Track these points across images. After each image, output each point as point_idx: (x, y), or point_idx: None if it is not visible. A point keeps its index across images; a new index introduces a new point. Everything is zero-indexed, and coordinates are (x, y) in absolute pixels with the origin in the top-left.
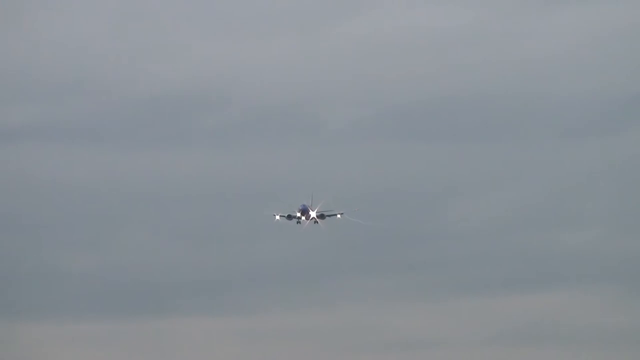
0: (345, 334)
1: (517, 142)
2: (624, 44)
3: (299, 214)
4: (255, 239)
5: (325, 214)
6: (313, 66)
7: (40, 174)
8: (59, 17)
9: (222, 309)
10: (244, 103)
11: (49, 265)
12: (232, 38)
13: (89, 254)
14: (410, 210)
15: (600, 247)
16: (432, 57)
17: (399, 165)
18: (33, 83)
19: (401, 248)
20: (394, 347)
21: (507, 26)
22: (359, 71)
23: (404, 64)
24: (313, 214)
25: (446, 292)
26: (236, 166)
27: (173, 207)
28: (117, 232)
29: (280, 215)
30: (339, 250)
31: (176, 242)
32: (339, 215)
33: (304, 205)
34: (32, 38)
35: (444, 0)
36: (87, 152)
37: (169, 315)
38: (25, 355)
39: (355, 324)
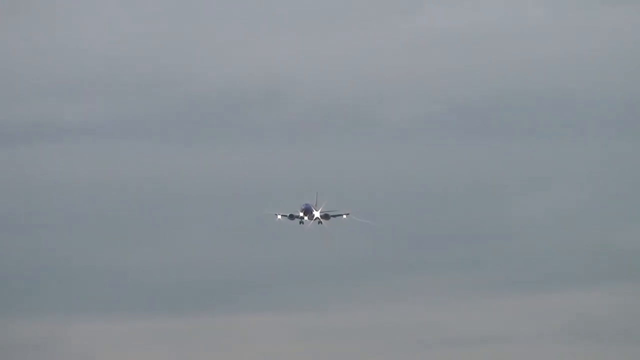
0: (400, 331)
1: (578, 138)
2: None
3: (301, 214)
4: (310, 235)
5: (330, 214)
6: (374, 62)
7: (98, 171)
8: (118, 14)
9: (277, 305)
10: (305, 100)
11: (103, 263)
12: (293, 35)
13: (143, 251)
14: (469, 205)
15: None
16: (496, 53)
17: (460, 161)
18: (94, 81)
19: (459, 244)
20: (451, 344)
21: (571, 22)
22: (421, 67)
23: (468, 59)
24: (317, 214)
25: (503, 288)
26: (295, 163)
27: (230, 205)
28: (172, 230)
29: (282, 215)
30: (392, 248)
31: (231, 239)
32: (344, 216)
33: (306, 205)
34: (91, 36)
35: None
36: (145, 149)
37: (221, 312)
38: (79, 353)
39: (410, 322)
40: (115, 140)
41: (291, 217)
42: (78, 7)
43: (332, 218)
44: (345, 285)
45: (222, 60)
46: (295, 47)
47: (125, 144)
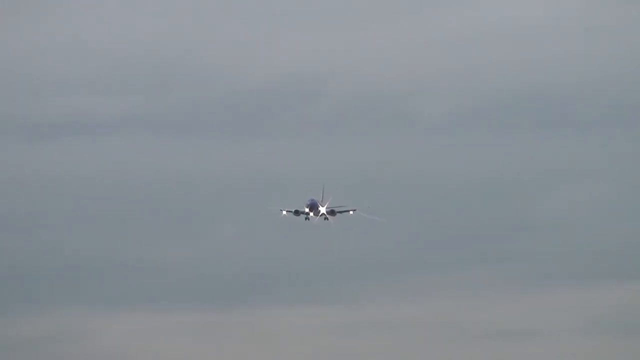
0: (435, 326)
1: (610, 133)
2: None
3: (307, 210)
4: (353, 227)
5: (337, 210)
6: (408, 57)
7: (129, 165)
8: (151, 10)
9: (307, 299)
10: (339, 95)
11: (132, 256)
12: (324, 30)
13: (182, 245)
14: (503, 200)
15: None
16: (529, 48)
17: (490, 156)
18: (126, 76)
19: (489, 239)
20: (478, 338)
21: (603, 18)
22: (454, 61)
23: (500, 54)
24: (323, 209)
25: (532, 283)
26: (330, 157)
27: (265, 198)
28: (209, 223)
29: (287, 211)
30: (421, 243)
31: (260, 232)
32: (351, 212)
33: (312, 200)
34: (124, 31)
35: None
36: (182, 144)
37: (251, 306)
38: (120, 345)
39: (439, 316)
40: (144, 135)
41: (296, 212)
42: (111, 1)
43: (338, 214)
44: (375, 280)
45: (254, 56)
46: (326, 42)
47: (156, 140)
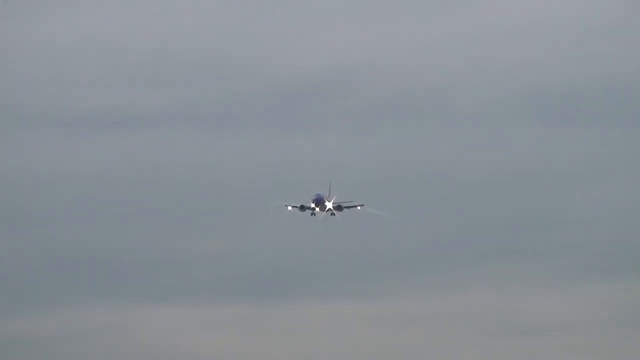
0: (474, 318)
1: None
2: None
3: (312, 205)
4: (395, 220)
5: (343, 205)
6: (446, 50)
7: (172, 159)
8: (193, 2)
9: (351, 293)
10: (376, 87)
11: (176, 250)
12: (360, 22)
13: (222, 237)
14: (543, 193)
15: None
16: (568, 42)
17: (531, 148)
18: (171, 67)
19: (526, 232)
20: (518, 332)
21: (637, 14)
22: (492, 54)
23: (534, 48)
24: (329, 204)
25: (572, 276)
26: (368, 149)
27: (305, 190)
28: (249, 216)
29: (292, 206)
30: (460, 235)
31: (298, 226)
32: (359, 207)
33: (318, 195)
34: (166, 23)
35: None
36: (218, 137)
37: (288, 299)
38: (160, 338)
39: (484, 309)
40: (181, 128)
41: (302, 208)
42: None
43: (345, 209)
44: (413, 273)
45: (294, 48)
46: (359, 36)
47: (191, 133)
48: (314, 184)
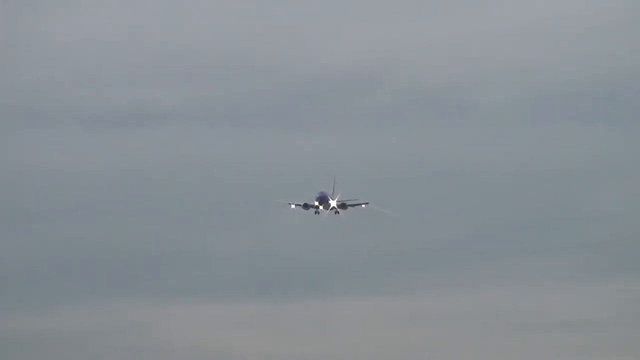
0: (497, 315)
1: None
2: None
3: (316, 203)
4: (411, 218)
5: (347, 203)
6: (466, 48)
7: (196, 156)
8: (214, 0)
9: (374, 289)
10: (397, 85)
11: (207, 247)
12: (386, 20)
13: (245, 235)
14: (564, 190)
15: None
16: (589, 39)
17: (553, 146)
18: (192, 66)
19: (550, 229)
20: (543, 328)
21: None
22: (513, 53)
23: (561, 45)
24: (333, 203)
25: (592, 274)
26: (390, 147)
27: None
28: (268, 214)
29: (295, 204)
30: (485, 232)
31: (321, 222)
32: (363, 205)
33: (321, 193)
34: (190, 22)
35: None
36: (243, 134)
37: (313, 296)
38: (182, 335)
39: (508, 305)
40: (204, 125)
41: (305, 206)
42: None
43: (349, 208)
44: (438, 270)
45: (312, 46)
46: (386, 33)
47: (216, 130)
48: (328, 183)
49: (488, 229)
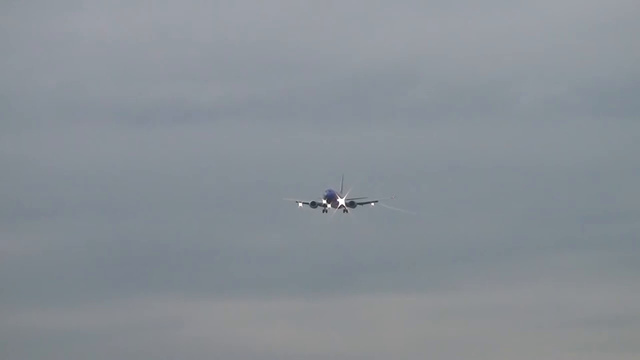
0: (531, 311)
1: None
2: None
3: (324, 201)
4: (446, 215)
5: (357, 201)
6: (503, 43)
7: (231, 153)
8: None
9: (408, 286)
10: (434, 81)
11: (236, 243)
12: (421, 17)
13: (275, 232)
14: (601, 186)
15: None
16: (624, 36)
17: (590, 142)
18: (227, 62)
19: (588, 224)
20: (581, 324)
21: None
22: (551, 48)
23: (595, 41)
24: (342, 201)
25: (633, 268)
26: (427, 144)
27: (366, 183)
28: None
29: (303, 203)
30: (522, 228)
31: (357, 218)
32: (372, 204)
33: (329, 191)
34: (228, 17)
35: None
36: (278, 131)
37: (348, 293)
38: (213, 333)
39: (540, 302)
40: (239, 122)
41: (313, 204)
42: None
43: (359, 206)
44: (472, 266)
45: (349, 43)
46: (421, 29)
47: (251, 127)
48: (361, 180)
49: (526, 224)
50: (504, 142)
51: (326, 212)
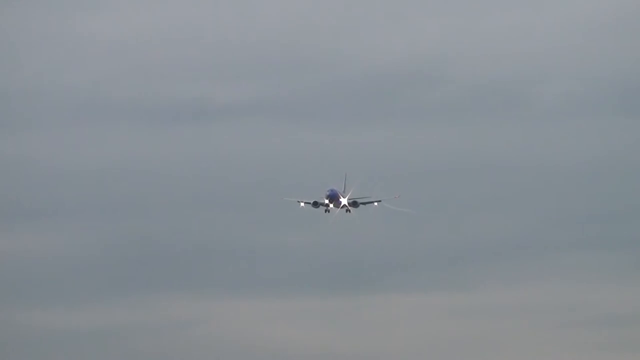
0: (554, 311)
1: None
2: None
3: (326, 201)
4: (470, 213)
5: (359, 201)
6: (528, 41)
7: (258, 150)
8: None
9: (429, 285)
10: (460, 79)
11: (262, 242)
12: (445, 14)
13: (301, 231)
14: (620, 185)
15: None
16: None
17: (609, 139)
18: (253, 59)
19: (609, 224)
20: (600, 323)
21: None
22: (574, 46)
23: (621, 38)
24: (344, 201)
25: None
26: (453, 142)
27: (391, 182)
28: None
29: (304, 202)
30: (542, 227)
31: (382, 217)
32: (375, 204)
33: (332, 191)
34: (253, 16)
35: None
36: (304, 128)
37: (370, 292)
38: (239, 331)
39: (559, 301)
40: (266, 121)
41: (315, 204)
42: None
43: (361, 206)
44: (493, 265)
45: (376, 40)
46: (447, 27)
47: (278, 125)
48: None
49: (544, 223)
50: (529, 140)
51: (328, 212)
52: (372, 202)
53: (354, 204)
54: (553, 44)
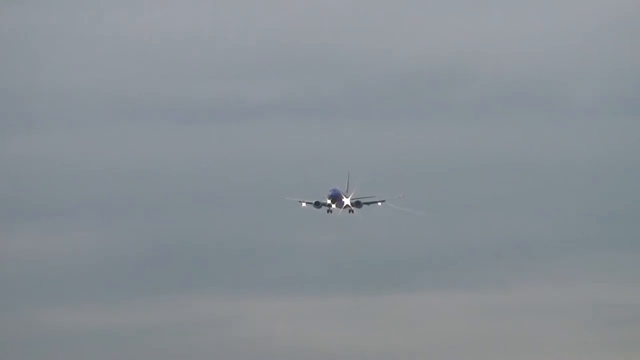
0: (580, 310)
1: None
2: None
3: (328, 201)
4: (495, 212)
5: (362, 201)
6: (558, 40)
7: (283, 149)
8: None
9: (454, 283)
10: (489, 78)
11: (280, 241)
12: (475, 12)
13: (318, 230)
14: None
15: None
16: None
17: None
18: (277, 58)
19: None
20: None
21: None
22: (605, 44)
23: None
24: (347, 201)
25: None
26: (484, 140)
27: (415, 182)
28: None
29: (307, 202)
30: (574, 225)
31: (404, 217)
32: (379, 204)
33: (334, 191)
34: (281, 14)
35: None
36: (330, 127)
37: (398, 290)
38: (268, 330)
39: (590, 301)
40: (292, 120)
41: (317, 204)
42: None
43: (364, 206)
44: (524, 264)
45: (403, 39)
46: (474, 25)
47: (304, 124)
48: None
49: (575, 221)
50: (560, 140)
51: (331, 212)
52: (376, 202)
53: (357, 204)
54: (586, 43)
